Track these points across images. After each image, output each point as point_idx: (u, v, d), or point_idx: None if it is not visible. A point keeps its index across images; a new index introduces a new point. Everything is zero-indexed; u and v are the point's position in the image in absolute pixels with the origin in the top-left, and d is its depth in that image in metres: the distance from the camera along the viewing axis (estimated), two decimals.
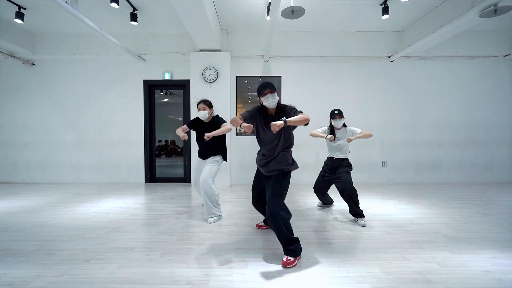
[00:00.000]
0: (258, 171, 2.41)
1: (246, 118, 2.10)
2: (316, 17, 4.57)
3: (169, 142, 11.00)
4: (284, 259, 1.92)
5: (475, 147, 5.33)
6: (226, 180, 5.02)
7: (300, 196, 4.13)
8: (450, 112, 5.31)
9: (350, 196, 2.86)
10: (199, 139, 3.07)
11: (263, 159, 2.21)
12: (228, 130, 2.84)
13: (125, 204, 3.72)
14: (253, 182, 2.47)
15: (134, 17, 4.20)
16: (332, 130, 3.09)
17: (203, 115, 2.97)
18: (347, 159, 3.09)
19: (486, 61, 5.25)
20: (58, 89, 5.40)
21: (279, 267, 1.92)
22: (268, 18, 4.01)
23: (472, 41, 5.12)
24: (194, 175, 3.26)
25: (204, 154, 3.07)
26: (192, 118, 4.83)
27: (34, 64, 5.39)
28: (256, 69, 5.28)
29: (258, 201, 2.46)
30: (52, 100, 5.41)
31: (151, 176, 5.50)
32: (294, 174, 5.26)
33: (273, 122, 1.83)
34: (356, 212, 2.90)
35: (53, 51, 5.14)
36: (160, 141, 10.93)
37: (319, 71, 5.28)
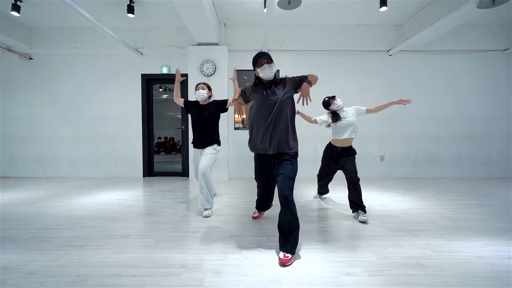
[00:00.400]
0: (258, 157, 2.21)
1: (244, 92, 2.17)
2: (314, 11, 4.56)
3: (168, 139, 11.00)
4: (282, 256, 1.77)
5: (473, 142, 5.32)
6: (223, 174, 5.02)
7: (298, 190, 4.13)
8: (448, 106, 5.31)
9: (355, 187, 2.71)
10: (196, 125, 2.93)
11: (265, 133, 1.98)
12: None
13: (123, 196, 3.73)
14: (256, 170, 2.29)
15: (130, 9, 4.19)
16: (334, 114, 3.03)
17: (202, 94, 2.85)
18: (351, 147, 2.95)
19: (485, 55, 5.24)
20: (56, 84, 5.39)
21: (272, 252, 1.92)
22: (265, 10, 4.00)
23: (471, 35, 5.11)
24: (192, 167, 3.20)
25: (200, 143, 2.93)
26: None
27: (31, 58, 5.38)
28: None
29: (268, 189, 2.41)
30: (50, 94, 5.41)
31: (149, 170, 5.50)
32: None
33: (304, 86, 1.94)
34: (359, 204, 2.68)
35: (50, 44, 5.13)
36: (159, 138, 10.92)
37: (317, 65, 5.27)
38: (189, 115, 3.13)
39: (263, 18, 4.75)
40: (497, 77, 5.26)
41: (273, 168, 2.10)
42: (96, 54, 5.32)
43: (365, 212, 2.65)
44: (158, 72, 5.36)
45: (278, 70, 5.05)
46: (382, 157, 5.32)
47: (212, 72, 4.89)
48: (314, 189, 3.93)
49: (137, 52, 5.14)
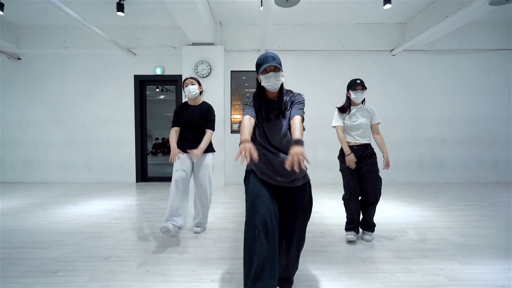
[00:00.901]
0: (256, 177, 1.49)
1: (253, 116, 1.51)
2: (313, 9, 4.33)
3: (166, 139, 10.76)
4: None
5: (480, 145, 5.10)
6: (220, 180, 4.81)
7: None
8: (454, 108, 5.08)
9: (375, 202, 2.32)
10: (184, 131, 2.50)
11: (274, 158, 1.48)
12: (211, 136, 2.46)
13: (111, 206, 3.52)
14: (252, 190, 1.44)
15: (120, 7, 3.96)
16: (348, 104, 2.47)
17: (192, 90, 2.42)
18: (369, 145, 2.40)
19: (493, 55, 5.00)
20: (45, 85, 5.17)
21: None
22: (262, 8, 3.77)
23: (477, 34, 4.88)
24: (178, 176, 2.37)
25: (191, 144, 2.45)
26: None
27: (19, 59, 5.16)
28: (251, 64, 5.02)
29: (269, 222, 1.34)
30: (39, 96, 5.19)
31: (142, 175, 5.29)
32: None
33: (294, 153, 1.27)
34: (369, 223, 2.39)
35: (39, 44, 4.92)
36: (157, 138, 10.66)
37: (317, 66, 5.04)
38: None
39: (259, 17, 4.51)
40: (506, 77, 5.03)
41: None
42: (87, 54, 5.10)
43: (373, 231, 2.41)
44: (152, 73, 5.14)
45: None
46: None
47: (207, 73, 4.66)
48: (315, 199, 3.72)
49: (129, 52, 4.92)
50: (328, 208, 3.36)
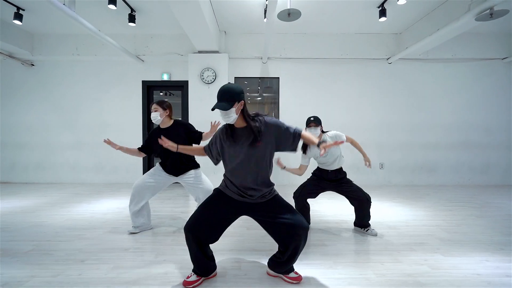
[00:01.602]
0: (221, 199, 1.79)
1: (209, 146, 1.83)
2: (314, 19, 4.59)
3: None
4: (294, 275, 1.76)
5: (472, 150, 5.34)
6: (216, 183, 5.02)
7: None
8: (447, 114, 5.33)
9: (367, 204, 2.53)
10: (164, 153, 2.52)
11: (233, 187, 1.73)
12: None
13: (122, 205, 3.73)
14: (208, 206, 1.79)
15: (132, 18, 4.22)
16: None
17: (154, 117, 2.48)
18: (342, 169, 2.67)
19: (484, 64, 5.27)
20: (56, 90, 5.42)
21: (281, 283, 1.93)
22: (265, 20, 4.03)
23: (470, 43, 5.13)
24: (142, 183, 2.56)
25: (174, 170, 2.57)
26: (189, 120, 4.86)
27: (33, 65, 5.41)
28: (254, 71, 5.30)
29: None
30: (51, 100, 5.44)
31: None
32: (288, 174, 5.15)
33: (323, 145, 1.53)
34: (367, 221, 2.63)
35: (51, 52, 5.16)
36: None
37: (317, 73, 5.30)
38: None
39: (263, 26, 4.78)
40: (496, 85, 5.29)
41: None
42: (97, 61, 5.35)
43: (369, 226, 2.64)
44: (159, 79, 5.39)
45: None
46: (382, 165, 5.33)
47: (213, 80, 4.91)
48: (313, 200, 3.94)
49: (138, 59, 5.17)
50: (326, 208, 3.58)
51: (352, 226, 2.81)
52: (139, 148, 2.64)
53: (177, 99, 5.75)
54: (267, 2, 3.28)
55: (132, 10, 4.18)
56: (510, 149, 5.32)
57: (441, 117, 5.34)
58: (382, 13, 4.00)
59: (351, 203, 2.63)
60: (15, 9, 4.09)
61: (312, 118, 2.55)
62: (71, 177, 5.43)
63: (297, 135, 1.62)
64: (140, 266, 1.97)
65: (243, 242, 2.44)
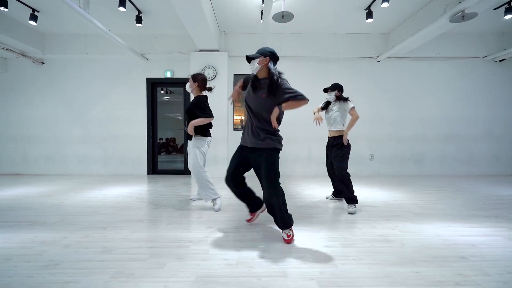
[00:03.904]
0: (239, 148, 2.28)
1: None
2: (307, 20, 4.95)
3: (169, 139, 11.29)
4: (285, 237, 2.09)
5: (456, 142, 5.72)
6: (223, 171, 5.36)
7: (293, 186, 4.50)
8: (433, 109, 5.71)
9: (342, 181, 2.95)
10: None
11: (246, 128, 2.21)
12: (201, 122, 2.79)
13: (131, 190, 4.08)
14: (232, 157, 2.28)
15: (139, 19, 4.56)
16: (327, 104, 3.26)
17: (187, 87, 3.01)
18: (339, 137, 3.06)
19: (466, 62, 5.65)
20: (66, 87, 5.76)
21: (267, 230, 2.28)
22: (262, 21, 4.39)
23: (453, 43, 5.51)
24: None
25: (185, 135, 3.10)
26: None
27: (43, 63, 5.74)
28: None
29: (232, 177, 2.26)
30: (60, 97, 5.77)
31: (153, 168, 5.86)
32: (287, 165, 5.50)
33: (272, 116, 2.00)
34: (348, 196, 2.93)
35: (61, 50, 5.50)
36: (160, 139, 11.20)
37: (311, 70, 5.66)
38: None
39: (259, 27, 5.14)
40: (477, 82, 5.67)
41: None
42: (104, 59, 5.69)
43: (355, 202, 2.92)
44: (162, 76, 5.74)
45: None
46: (372, 156, 5.70)
47: (213, 77, 5.26)
48: (307, 187, 4.30)
49: (142, 57, 5.51)
50: (317, 192, 3.94)
51: (337, 206, 3.17)
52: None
53: (178, 97, 6.10)
54: (263, 5, 3.63)
55: (139, 12, 4.53)
56: (492, 141, 5.70)
57: (428, 111, 5.71)
58: (369, 15, 4.36)
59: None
60: (27, 10, 4.41)
61: (330, 85, 3.20)
62: (80, 169, 5.77)
63: (284, 99, 2.00)
64: (154, 231, 2.33)
65: (245, 217, 2.78)
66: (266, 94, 2.01)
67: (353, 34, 5.54)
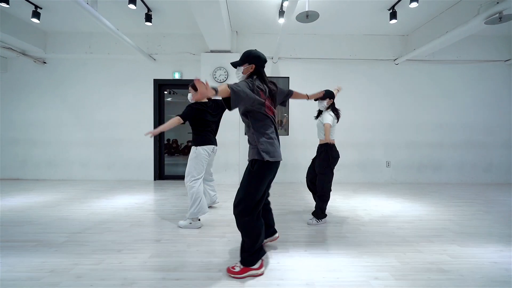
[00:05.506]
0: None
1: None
2: (324, 21, 4.70)
3: (171, 141, 11.01)
4: (231, 267, 1.81)
5: (475, 149, 5.50)
6: (234, 178, 5.13)
7: (299, 193, 4.26)
8: (452, 114, 5.49)
9: (319, 195, 2.84)
10: None
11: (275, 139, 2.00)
12: (173, 123, 2.70)
13: (140, 200, 3.83)
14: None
15: (148, 18, 4.30)
16: (319, 113, 3.05)
17: (188, 97, 2.94)
18: (323, 145, 2.91)
19: (487, 65, 5.43)
20: (68, 88, 5.48)
21: (302, 257, 2.04)
22: (280, 21, 4.14)
23: (474, 46, 5.29)
24: None
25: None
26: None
27: (45, 63, 5.46)
28: (265, 70, 5.39)
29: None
30: (62, 98, 5.49)
31: (160, 174, 5.60)
32: (288, 172, 5.22)
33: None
34: (316, 211, 2.85)
35: (65, 49, 5.22)
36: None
37: (326, 73, 5.42)
38: None
39: (274, 27, 4.90)
40: (499, 86, 5.46)
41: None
42: (110, 59, 5.42)
43: (321, 218, 2.85)
44: (170, 78, 5.48)
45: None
46: (388, 163, 5.47)
47: (225, 79, 5.01)
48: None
49: (150, 58, 5.25)
50: (342, 205, 3.70)
51: (368, 222, 2.94)
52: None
53: (183, 98, 5.83)
54: (285, 4, 3.39)
55: (149, 9, 4.26)
56: (511, 149, 5.50)
57: (445, 117, 5.49)
58: (393, 15, 4.13)
59: None
60: (28, 7, 4.13)
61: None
62: (82, 174, 5.49)
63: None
64: (175, 255, 2.07)
65: None
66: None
67: (370, 36, 5.30)
